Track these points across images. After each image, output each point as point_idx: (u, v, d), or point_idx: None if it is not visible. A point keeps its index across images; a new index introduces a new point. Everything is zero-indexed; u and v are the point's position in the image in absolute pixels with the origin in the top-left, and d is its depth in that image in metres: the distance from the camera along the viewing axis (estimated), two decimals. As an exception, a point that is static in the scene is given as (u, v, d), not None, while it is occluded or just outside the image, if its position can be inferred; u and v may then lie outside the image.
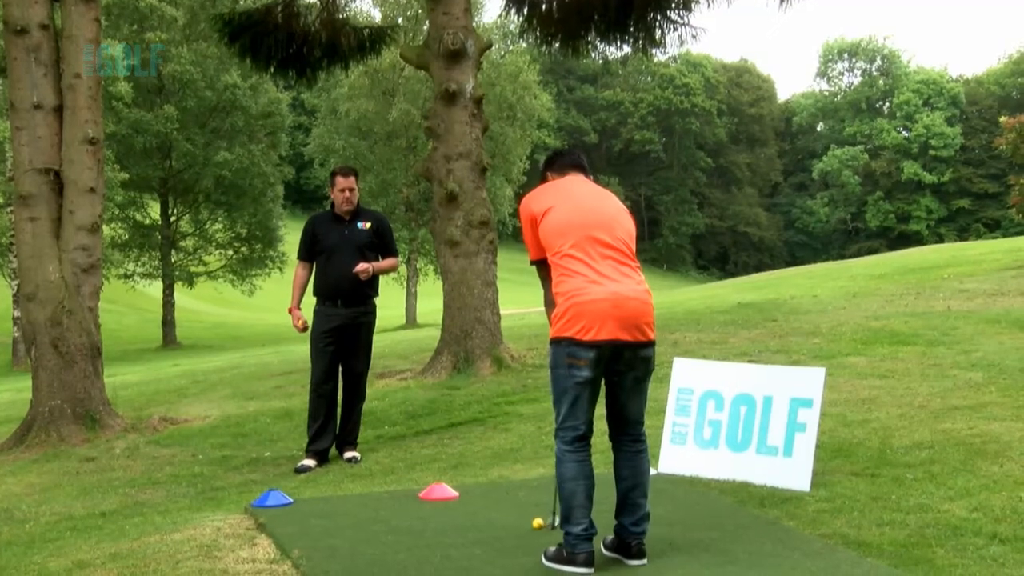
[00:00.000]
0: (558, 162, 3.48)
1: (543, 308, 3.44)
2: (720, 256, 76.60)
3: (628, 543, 3.22)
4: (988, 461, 4.25)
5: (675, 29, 9.76)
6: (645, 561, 3.20)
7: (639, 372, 3.19)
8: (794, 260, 64.97)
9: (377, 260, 5.84)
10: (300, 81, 9.90)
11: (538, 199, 3.32)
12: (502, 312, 8.90)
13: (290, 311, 5.85)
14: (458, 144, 8.53)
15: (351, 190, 5.76)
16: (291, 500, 4.34)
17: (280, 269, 30.43)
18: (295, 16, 9.37)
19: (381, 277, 6.00)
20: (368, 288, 5.80)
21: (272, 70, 9.67)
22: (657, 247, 73.81)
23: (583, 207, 3.25)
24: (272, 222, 30.44)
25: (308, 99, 38.58)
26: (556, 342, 3.16)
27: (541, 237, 3.24)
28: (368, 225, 5.84)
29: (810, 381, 4.34)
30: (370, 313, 5.87)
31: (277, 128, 30.28)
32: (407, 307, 32.25)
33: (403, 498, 4.35)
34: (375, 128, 31.61)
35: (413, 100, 30.80)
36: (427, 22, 9.82)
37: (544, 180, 3.49)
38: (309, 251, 5.84)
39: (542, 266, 3.29)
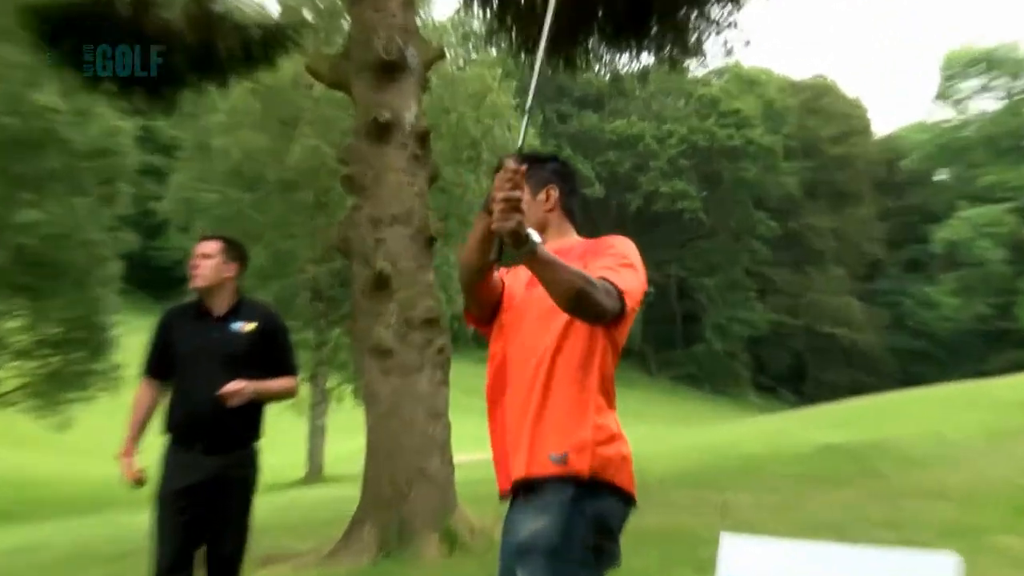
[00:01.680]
0: (574, 190, 3.80)
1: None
2: (793, 371, 77.13)
3: None
4: None
5: (718, 32, 10.05)
6: None
7: None
8: (907, 378, 65.34)
9: (261, 379, 5.83)
10: (153, 103, 10.03)
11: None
12: (457, 459, 8.85)
13: (122, 455, 5.80)
14: (392, 201, 8.63)
15: (205, 256, 5.84)
16: None
17: (112, 390, 30.15)
18: (148, 6, 9.56)
19: (269, 406, 5.98)
20: (245, 424, 5.78)
21: (112, 87, 9.80)
22: (696, 356, 74.39)
23: None
24: (101, 317, 30.30)
25: (164, 130, 39.04)
26: (606, 494, 3.39)
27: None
28: (251, 326, 5.86)
29: (936, 574, 4.32)
30: (247, 464, 5.84)
31: (115, 173, 30.46)
32: (310, 451, 31.96)
33: None
34: (267, 174, 31.93)
35: (324, 133, 31.22)
36: (348, 19, 10.03)
37: (548, 199, 3.73)
38: (159, 362, 5.87)
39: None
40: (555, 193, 3.73)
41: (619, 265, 3.46)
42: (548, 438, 3.40)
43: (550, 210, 3.71)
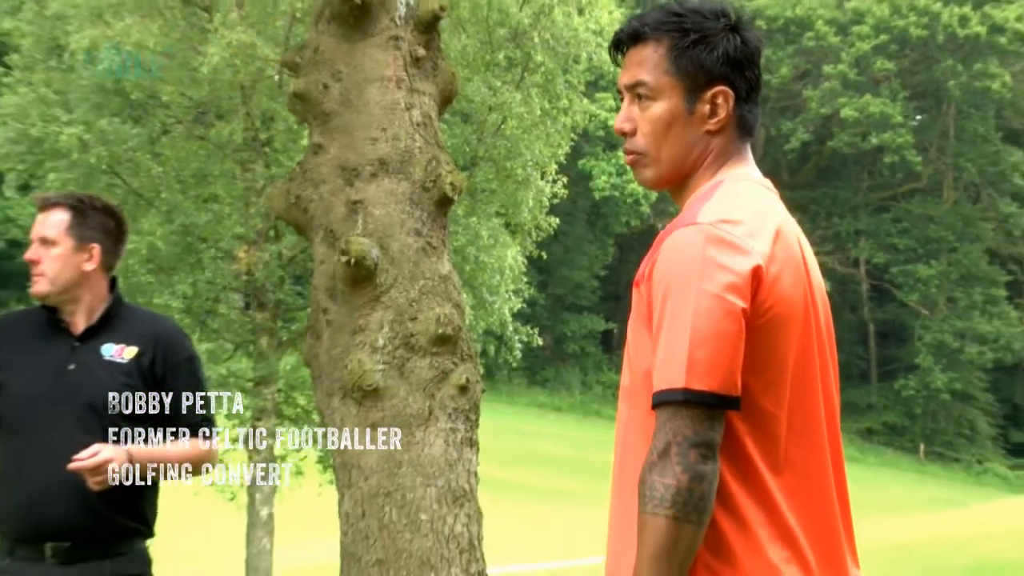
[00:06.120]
0: (755, 86, 3.92)
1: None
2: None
3: None
4: None
5: None
6: None
7: None
8: None
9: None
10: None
11: (751, 224, 3.69)
12: (493, 571, 8.86)
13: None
14: (376, 136, 8.64)
15: (45, 243, 5.89)
16: None
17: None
18: None
19: (172, 489, 6.09)
20: (124, 513, 5.87)
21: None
22: (901, 397, 73.86)
23: (821, 300, 3.93)
24: None
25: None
26: None
27: (749, 352, 3.62)
28: (131, 351, 5.94)
29: None
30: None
31: None
32: (250, 560, 32.10)
33: None
34: (164, 94, 32.03)
35: (262, 23, 31.28)
36: None
37: (714, 109, 3.85)
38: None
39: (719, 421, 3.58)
40: (728, 98, 3.83)
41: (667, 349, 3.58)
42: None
43: (717, 130, 3.82)
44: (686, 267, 3.56)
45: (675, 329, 3.52)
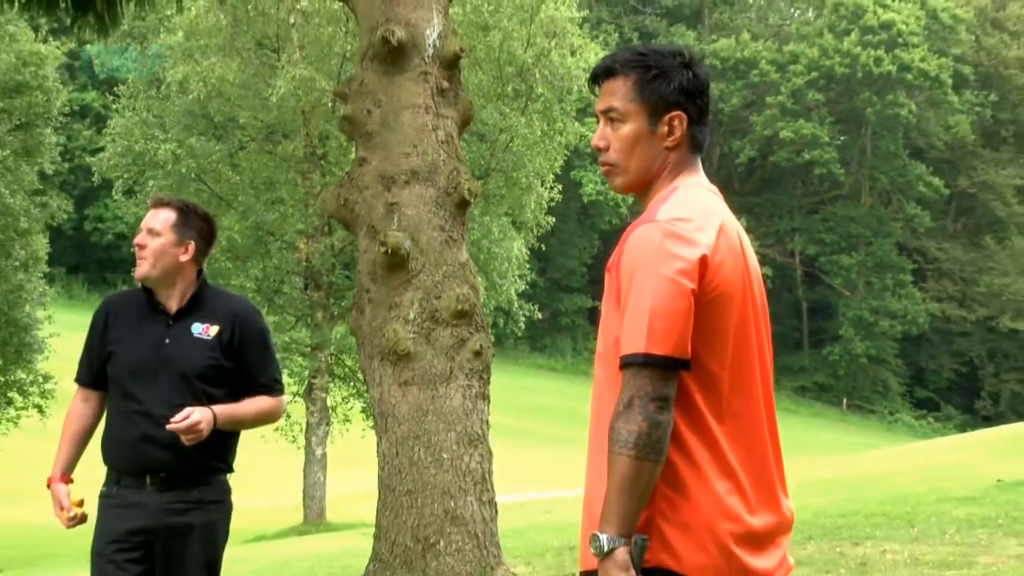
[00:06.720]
0: (704, 111, 3.94)
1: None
2: (962, 382, 76.30)
3: None
4: None
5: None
6: None
7: None
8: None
9: (228, 400, 5.87)
10: (84, 19, 10.02)
11: (699, 221, 3.74)
12: (501, 500, 8.86)
13: (50, 482, 5.85)
14: (409, 151, 8.63)
15: (152, 233, 5.86)
16: None
17: (40, 409, 30.27)
18: None
19: (244, 434, 6.05)
20: (210, 452, 5.83)
21: None
22: (828, 361, 73.90)
23: (756, 282, 3.89)
24: (21, 312, 30.39)
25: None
26: None
27: (698, 324, 3.68)
28: (214, 328, 5.90)
29: None
30: (212, 505, 5.90)
31: (35, 117, 30.51)
32: (307, 489, 32.01)
33: None
34: (241, 117, 32.05)
35: (319, 60, 31.32)
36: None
37: (671, 131, 3.87)
38: (98, 369, 5.94)
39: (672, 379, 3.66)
40: (682, 121, 3.85)
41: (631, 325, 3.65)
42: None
43: (674, 146, 3.85)
44: (647, 256, 3.63)
45: (638, 305, 3.59)
